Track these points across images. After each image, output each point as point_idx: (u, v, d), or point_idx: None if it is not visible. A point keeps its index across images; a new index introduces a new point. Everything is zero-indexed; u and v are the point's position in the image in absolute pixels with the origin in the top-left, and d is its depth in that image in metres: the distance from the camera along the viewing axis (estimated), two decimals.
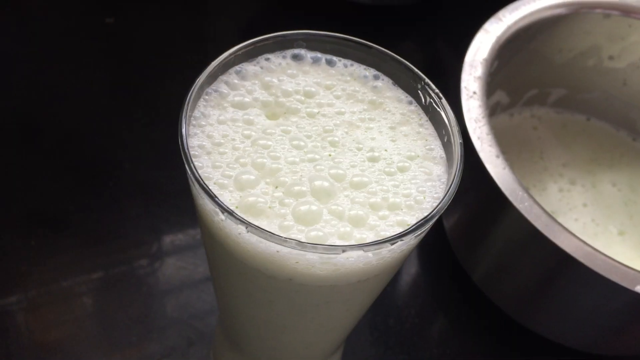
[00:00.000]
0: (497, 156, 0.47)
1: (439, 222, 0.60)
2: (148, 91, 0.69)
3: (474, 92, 0.50)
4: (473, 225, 0.54)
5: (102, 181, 0.61)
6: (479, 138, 0.47)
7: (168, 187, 0.61)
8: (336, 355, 0.48)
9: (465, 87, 0.50)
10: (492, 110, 0.63)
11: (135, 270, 0.57)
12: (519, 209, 0.44)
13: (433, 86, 0.33)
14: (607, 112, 0.65)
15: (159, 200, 0.61)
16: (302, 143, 0.32)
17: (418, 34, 0.82)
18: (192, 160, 0.29)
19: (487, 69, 0.52)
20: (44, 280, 0.54)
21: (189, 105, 0.31)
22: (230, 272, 0.33)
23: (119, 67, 0.72)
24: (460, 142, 0.31)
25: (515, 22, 0.55)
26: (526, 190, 0.45)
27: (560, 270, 0.47)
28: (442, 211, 0.29)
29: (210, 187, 0.29)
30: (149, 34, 0.75)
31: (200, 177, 0.28)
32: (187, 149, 0.29)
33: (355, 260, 0.28)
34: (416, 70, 0.34)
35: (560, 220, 0.59)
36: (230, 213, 0.27)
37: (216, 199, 0.28)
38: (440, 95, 0.33)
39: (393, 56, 0.35)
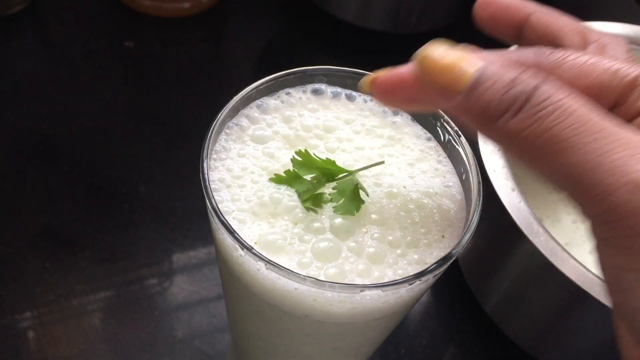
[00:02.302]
0: (513, 189, 0.47)
1: None
2: (166, 114, 0.70)
3: None
4: (487, 256, 0.54)
5: (117, 203, 0.62)
6: (494, 171, 0.48)
7: (181, 211, 0.62)
8: None
9: None
10: None
11: (147, 292, 0.57)
12: (534, 243, 0.44)
13: (452, 123, 0.34)
14: None
15: (172, 224, 0.61)
16: None
17: None
18: (213, 195, 0.29)
19: None
20: (57, 300, 0.55)
21: (211, 139, 0.31)
22: (246, 305, 0.33)
23: (138, 90, 0.72)
24: (479, 181, 0.32)
25: None
26: (541, 224, 0.45)
27: (574, 304, 0.47)
28: (462, 249, 0.30)
29: (230, 222, 0.29)
30: (167, 58, 0.76)
31: (220, 212, 0.29)
32: (209, 183, 0.30)
33: (372, 299, 0.29)
34: None
35: (574, 252, 0.58)
36: (249, 249, 0.28)
37: (236, 234, 0.28)
38: (460, 133, 0.33)
39: None
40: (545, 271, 0.45)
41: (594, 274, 0.44)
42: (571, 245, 0.59)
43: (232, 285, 0.33)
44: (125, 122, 0.69)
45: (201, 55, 0.78)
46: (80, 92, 0.70)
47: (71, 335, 0.53)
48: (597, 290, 0.43)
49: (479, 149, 0.49)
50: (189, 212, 0.62)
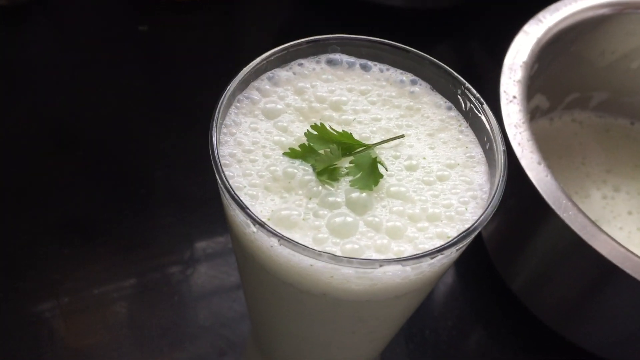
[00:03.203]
0: (539, 163, 0.45)
1: None
2: (181, 99, 0.69)
3: (514, 97, 0.48)
4: (513, 234, 0.52)
5: (134, 189, 0.61)
6: (519, 144, 0.46)
7: (200, 195, 0.61)
8: None
9: (504, 91, 0.48)
10: (532, 115, 0.61)
11: (166, 278, 0.56)
12: (562, 218, 0.42)
13: (474, 91, 0.32)
14: None
15: (190, 208, 0.60)
16: None
17: (453, 38, 0.80)
18: (222, 170, 0.28)
19: (527, 72, 0.50)
20: (76, 288, 0.54)
21: (220, 113, 0.30)
22: (262, 286, 0.32)
23: (153, 75, 0.72)
24: (504, 150, 0.30)
25: (556, 24, 0.53)
26: (570, 198, 0.43)
27: (606, 280, 0.45)
28: (485, 223, 0.28)
29: (241, 198, 0.28)
30: (182, 42, 0.75)
31: (231, 187, 0.27)
32: (218, 158, 0.28)
33: (392, 275, 0.27)
34: (456, 74, 0.33)
35: (604, 228, 0.56)
36: (262, 225, 0.26)
37: (247, 210, 0.27)
38: (482, 100, 0.32)
39: (432, 60, 0.33)
40: (575, 247, 0.43)
41: (626, 249, 0.42)
42: (601, 222, 0.57)
43: (246, 265, 0.32)
44: (140, 108, 0.68)
45: (216, 39, 0.76)
46: (94, 78, 0.69)
47: (91, 323, 0.53)
48: (630, 265, 0.41)
49: (502, 123, 0.47)
50: (206, 196, 0.61)
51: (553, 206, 0.43)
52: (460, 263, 0.59)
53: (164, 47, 0.74)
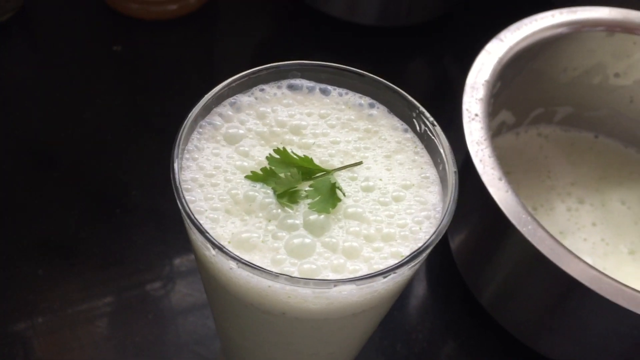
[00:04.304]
0: (500, 179, 0.46)
1: (446, 244, 0.59)
2: (156, 118, 0.70)
3: (476, 115, 0.49)
4: (479, 249, 0.54)
5: (110, 208, 0.62)
6: (481, 161, 0.47)
7: (175, 214, 0.61)
8: None
9: (466, 110, 0.50)
10: (498, 131, 0.62)
11: (141, 297, 0.57)
12: (522, 233, 0.44)
13: (427, 114, 0.33)
14: (615, 129, 0.65)
15: (166, 227, 0.61)
16: None
17: (426, 54, 0.82)
18: (183, 195, 0.29)
19: (490, 91, 0.51)
20: (51, 308, 0.55)
21: (182, 139, 0.31)
22: (226, 305, 0.33)
23: (128, 94, 0.72)
24: (455, 171, 0.31)
25: (517, 43, 0.54)
26: (530, 213, 0.45)
27: (567, 294, 0.46)
28: (436, 242, 0.29)
29: (202, 222, 0.29)
30: (157, 61, 0.76)
31: (191, 211, 0.28)
32: (179, 183, 0.29)
33: (348, 294, 0.28)
34: (410, 98, 0.34)
35: (568, 240, 0.58)
36: (220, 249, 0.27)
37: (206, 234, 0.28)
38: (435, 123, 0.33)
39: (387, 84, 0.35)
40: (537, 261, 0.45)
41: (584, 262, 0.43)
42: (566, 234, 0.58)
43: (210, 285, 0.33)
44: (116, 127, 0.69)
45: (192, 57, 0.77)
46: (70, 98, 0.70)
47: (65, 342, 0.53)
48: (589, 278, 0.43)
49: (465, 139, 0.48)
50: (181, 214, 0.61)
51: (513, 221, 0.44)
52: (431, 276, 0.60)
53: (139, 66, 0.75)
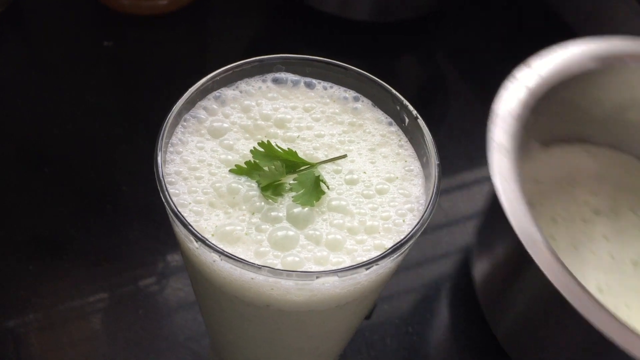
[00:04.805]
0: (525, 215, 0.43)
1: (468, 272, 0.58)
2: (147, 114, 0.70)
3: (505, 149, 0.47)
4: (497, 281, 0.52)
5: (101, 205, 0.62)
6: (508, 200, 0.44)
7: (164, 210, 0.61)
8: None
9: (495, 142, 0.47)
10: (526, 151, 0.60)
11: (133, 293, 0.57)
12: (542, 270, 0.41)
13: (411, 107, 0.33)
14: None
15: (156, 223, 0.61)
16: None
17: (419, 50, 0.82)
18: (167, 189, 0.29)
19: (520, 122, 0.49)
20: (42, 304, 0.55)
21: (165, 132, 0.31)
22: (211, 298, 0.33)
23: (119, 90, 0.72)
24: (437, 163, 0.31)
25: (549, 73, 0.52)
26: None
27: (587, 343, 0.44)
28: (419, 234, 0.29)
29: (185, 215, 0.29)
30: (148, 57, 0.76)
31: (174, 205, 0.29)
32: (163, 176, 0.30)
33: (330, 285, 0.28)
34: (394, 91, 0.34)
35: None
36: (203, 241, 0.27)
37: (189, 227, 0.28)
38: (418, 116, 0.33)
39: (371, 78, 0.35)
40: (560, 308, 0.42)
41: (611, 314, 0.40)
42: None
43: (195, 278, 0.33)
44: (107, 123, 0.69)
45: (183, 53, 0.77)
46: (61, 94, 0.70)
47: (57, 339, 0.53)
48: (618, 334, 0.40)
49: (492, 172, 0.46)
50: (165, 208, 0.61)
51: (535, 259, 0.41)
52: (453, 308, 0.59)
53: (130, 62, 0.75)
